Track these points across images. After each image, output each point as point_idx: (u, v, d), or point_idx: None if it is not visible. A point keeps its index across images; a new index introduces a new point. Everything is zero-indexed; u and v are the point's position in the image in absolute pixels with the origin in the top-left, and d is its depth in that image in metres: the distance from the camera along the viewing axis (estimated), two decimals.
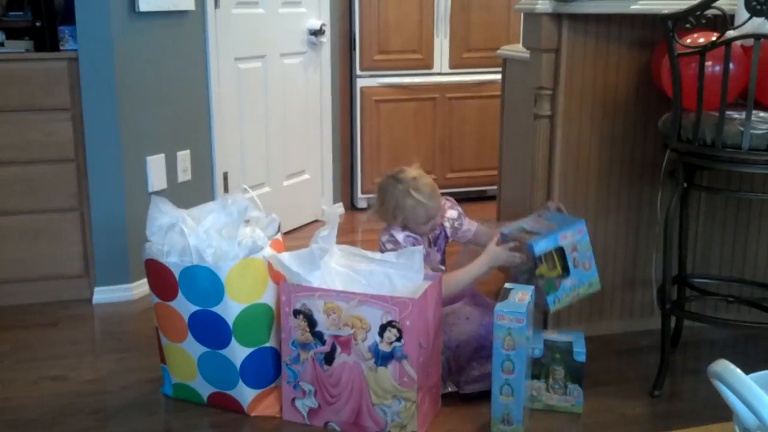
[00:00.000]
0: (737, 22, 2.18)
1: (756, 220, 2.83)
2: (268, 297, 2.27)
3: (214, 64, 3.54)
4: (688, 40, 2.24)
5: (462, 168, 4.69)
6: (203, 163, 3.56)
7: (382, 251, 2.43)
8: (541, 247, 2.31)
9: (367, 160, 4.54)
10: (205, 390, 2.35)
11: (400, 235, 2.45)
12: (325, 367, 2.20)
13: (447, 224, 2.59)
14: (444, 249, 2.62)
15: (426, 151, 4.61)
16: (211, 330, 2.25)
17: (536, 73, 2.64)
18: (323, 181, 4.37)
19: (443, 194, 2.59)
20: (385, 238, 2.48)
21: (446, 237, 2.61)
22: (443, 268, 2.55)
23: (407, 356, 2.10)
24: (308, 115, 4.19)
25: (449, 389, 2.39)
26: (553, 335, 2.34)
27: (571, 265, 2.33)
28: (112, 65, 3.05)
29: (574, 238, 2.36)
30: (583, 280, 2.38)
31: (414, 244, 2.41)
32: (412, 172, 2.49)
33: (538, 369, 2.30)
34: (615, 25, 2.62)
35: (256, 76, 3.83)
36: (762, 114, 2.16)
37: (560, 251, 2.33)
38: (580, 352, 2.27)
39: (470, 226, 2.62)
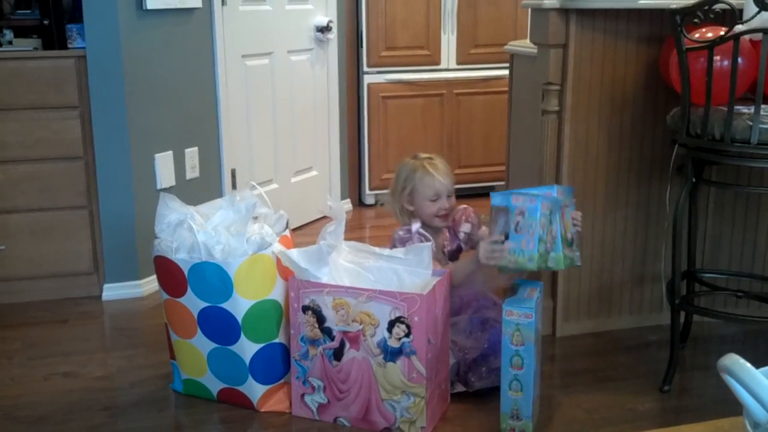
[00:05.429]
0: (746, 17, 2.17)
1: (765, 214, 2.82)
2: (276, 293, 2.28)
3: (222, 61, 3.54)
4: (697, 35, 2.24)
5: (469, 164, 4.68)
6: (211, 160, 3.57)
7: (393, 245, 2.43)
8: (496, 200, 2.18)
9: (375, 157, 4.54)
10: (214, 386, 2.36)
11: (414, 226, 2.45)
12: (334, 362, 2.21)
13: (462, 236, 2.58)
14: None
15: (433, 147, 4.60)
16: (220, 326, 2.26)
17: (544, 68, 2.64)
18: (331, 178, 4.38)
19: (458, 199, 2.57)
20: (401, 231, 2.48)
21: (460, 249, 2.60)
22: None
23: (416, 352, 2.10)
24: (315, 112, 4.20)
25: (458, 389, 2.37)
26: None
27: (512, 230, 2.14)
28: (120, 63, 3.06)
29: (525, 203, 2.14)
30: (521, 250, 2.13)
31: (421, 240, 2.40)
32: (432, 155, 2.61)
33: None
34: (623, 20, 2.61)
35: (263, 73, 3.83)
36: None
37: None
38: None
39: (484, 232, 2.52)
